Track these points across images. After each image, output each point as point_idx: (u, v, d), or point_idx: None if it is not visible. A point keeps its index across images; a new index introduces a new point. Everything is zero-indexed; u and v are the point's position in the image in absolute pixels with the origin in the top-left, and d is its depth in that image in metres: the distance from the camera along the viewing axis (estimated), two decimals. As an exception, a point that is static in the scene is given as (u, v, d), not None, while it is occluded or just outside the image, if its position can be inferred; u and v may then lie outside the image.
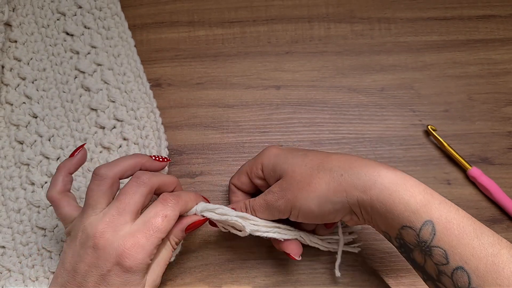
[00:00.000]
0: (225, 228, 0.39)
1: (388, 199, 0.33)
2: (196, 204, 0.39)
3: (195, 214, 0.38)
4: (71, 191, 0.39)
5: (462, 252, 0.31)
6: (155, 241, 0.35)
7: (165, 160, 0.41)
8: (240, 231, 0.38)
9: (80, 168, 0.41)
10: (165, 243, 0.37)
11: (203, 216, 0.38)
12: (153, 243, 0.34)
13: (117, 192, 0.37)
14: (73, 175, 0.39)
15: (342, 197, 0.34)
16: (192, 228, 0.38)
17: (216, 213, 0.38)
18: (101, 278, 0.33)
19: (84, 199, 0.37)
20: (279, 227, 0.39)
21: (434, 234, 0.32)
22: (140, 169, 0.38)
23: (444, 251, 0.32)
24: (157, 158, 0.40)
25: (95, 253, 0.34)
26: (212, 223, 0.40)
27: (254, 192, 0.42)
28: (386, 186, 0.33)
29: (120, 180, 0.38)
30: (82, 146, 0.40)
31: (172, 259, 0.39)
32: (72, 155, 0.39)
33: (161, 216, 0.35)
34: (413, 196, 0.33)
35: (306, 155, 0.37)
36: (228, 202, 0.44)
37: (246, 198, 0.41)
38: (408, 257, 0.35)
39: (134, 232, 0.34)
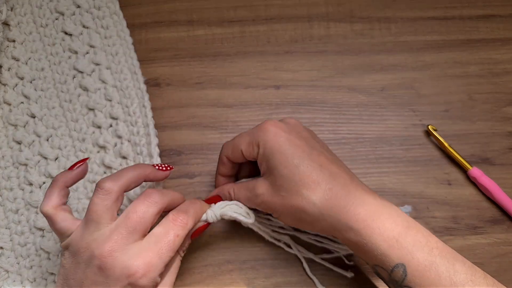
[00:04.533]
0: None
1: (361, 240, 0.34)
2: (203, 214, 0.39)
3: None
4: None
5: None
6: (166, 260, 0.34)
7: (169, 168, 0.39)
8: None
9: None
10: (175, 256, 0.37)
11: (206, 222, 0.39)
12: (164, 262, 0.34)
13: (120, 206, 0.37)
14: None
15: (319, 228, 0.36)
16: (198, 234, 0.38)
17: (226, 215, 0.39)
18: None
19: (79, 200, 0.36)
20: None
21: (405, 275, 0.32)
22: (145, 180, 0.38)
23: None
24: (160, 168, 0.39)
25: (103, 273, 0.32)
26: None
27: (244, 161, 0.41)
28: (359, 229, 0.34)
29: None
30: (84, 160, 0.38)
31: None
32: (71, 167, 0.37)
33: (172, 235, 0.34)
34: (384, 234, 0.33)
35: (304, 172, 0.36)
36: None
37: (234, 169, 0.42)
38: (385, 283, 0.36)
39: (145, 251, 0.33)
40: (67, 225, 0.35)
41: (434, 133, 0.46)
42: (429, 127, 0.47)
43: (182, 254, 0.38)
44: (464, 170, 0.46)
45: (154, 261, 0.33)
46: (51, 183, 0.36)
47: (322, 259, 0.42)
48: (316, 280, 0.42)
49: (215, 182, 0.43)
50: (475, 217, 0.44)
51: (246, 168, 0.43)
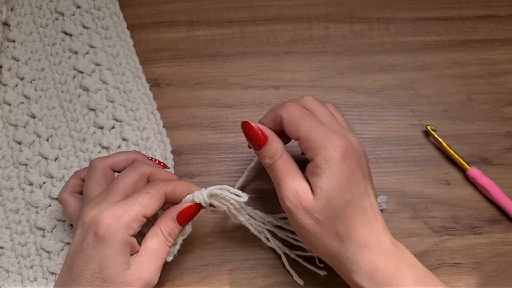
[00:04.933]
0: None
1: None
2: (190, 192, 0.38)
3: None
4: None
5: None
6: (132, 214, 0.34)
7: (161, 164, 0.41)
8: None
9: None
10: (156, 233, 0.36)
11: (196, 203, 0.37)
12: (130, 215, 0.34)
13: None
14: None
15: (330, 261, 0.36)
16: (184, 217, 0.37)
17: (214, 194, 0.37)
18: (83, 253, 0.34)
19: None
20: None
21: None
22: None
23: None
24: (153, 160, 0.41)
25: (82, 229, 0.35)
26: None
27: None
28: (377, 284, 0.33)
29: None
30: None
31: (170, 259, 0.38)
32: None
33: (143, 192, 0.35)
34: None
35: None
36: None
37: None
38: None
39: (114, 206, 0.35)
40: (76, 209, 0.39)
41: (433, 133, 0.46)
42: (428, 127, 0.47)
43: (169, 239, 0.37)
44: (463, 170, 0.46)
45: (117, 213, 0.34)
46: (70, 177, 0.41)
47: (297, 255, 0.42)
48: (294, 273, 0.42)
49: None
50: (474, 217, 0.45)
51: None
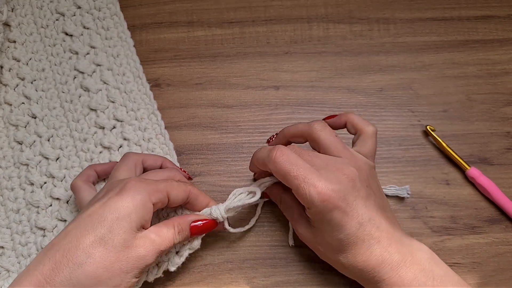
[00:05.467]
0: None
1: None
2: (208, 205, 0.39)
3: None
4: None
5: None
6: (160, 187, 0.36)
7: (187, 174, 0.44)
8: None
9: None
10: (168, 224, 0.36)
11: (214, 219, 0.39)
12: (157, 186, 0.36)
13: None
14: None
15: (346, 273, 0.38)
16: (198, 226, 0.38)
17: (231, 207, 0.39)
18: (100, 203, 0.35)
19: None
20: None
21: None
22: (162, 166, 0.42)
23: None
24: (184, 172, 0.44)
25: (103, 190, 0.37)
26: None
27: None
28: None
29: None
30: (113, 163, 0.44)
31: (173, 269, 0.39)
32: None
33: (172, 180, 0.37)
34: None
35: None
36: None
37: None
38: None
39: (138, 179, 0.36)
40: (88, 196, 0.39)
41: (433, 133, 0.46)
42: (428, 127, 0.47)
43: (177, 237, 0.37)
44: (462, 170, 0.46)
45: (146, 181, 0.36)
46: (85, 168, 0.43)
47: None
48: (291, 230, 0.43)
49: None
50: (473, 216, 0.45)
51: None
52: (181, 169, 0.44)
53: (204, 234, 0.39)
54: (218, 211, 0.38)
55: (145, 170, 0.42)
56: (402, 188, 0.44)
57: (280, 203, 0.41)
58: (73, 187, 0.41)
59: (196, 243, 0.39)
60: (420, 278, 0.33)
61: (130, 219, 0.34)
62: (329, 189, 0.33)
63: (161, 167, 0.42)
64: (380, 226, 0.35)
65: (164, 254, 0.38)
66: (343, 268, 0.37)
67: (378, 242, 0.34)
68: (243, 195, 0.39)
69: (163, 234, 0.36)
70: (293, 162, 0.35)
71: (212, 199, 0.40)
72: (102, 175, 0.43)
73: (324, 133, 0.38)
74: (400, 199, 0.45)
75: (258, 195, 0.39)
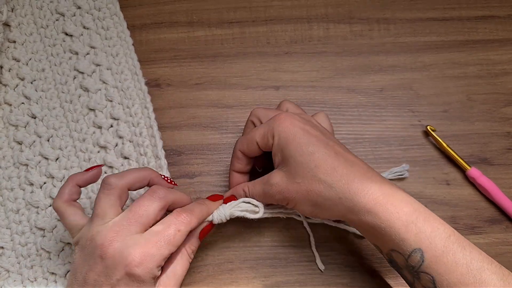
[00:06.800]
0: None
1: (378, 224, 0.34)
2: (209, 214, 0.39)
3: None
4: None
5: (449, 279, 0.32)
6: (165, 253, 0.34)
7: (172, 183, 0.40)
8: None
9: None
10: (182, 255, 0.37)
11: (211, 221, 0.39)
12: (162, 254, 0.34)
13: (126, 203, 0.37)
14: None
15: (336, 212, 0.36)
16: (205, 234, 0.39)
17: (234, 215, 0.40)
18: None
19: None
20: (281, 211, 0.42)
21: (423, 261, 0.32)
22: (149, 183, 0.38)
23: (432, 277, 0.32)
24: (165, 178, 0.40)
25: (103, 262, 0.33)
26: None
27: (259, 155, 0.41)
28: (377, 212, 0.34)
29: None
30: (99, 166, 0.39)
31: None
32: (87, 170, 0.39)
33: (173, 229, 0.35)
34: (403, 218, 0.33)
35: (320, 159, 0.36)
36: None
37: (249, 165, 0.42)
38: (398, 271, 0.36)
39: (144, 242, 0.34)
40: (76, 219, 0.36)
41: (433, 133, 0.46)
42: (428, 127, 0.47)
43: (192, 256, 0.38)
44: (462, 170, 0.46)
45: (151, 252, 0.33)
46: (65, 182, 0.38)
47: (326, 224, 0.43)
48: (317, 255, 0.43)
49: (229, 179, 0.43)
50: (474, 217, 0.45)
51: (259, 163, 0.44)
52: (165, 178, 0.40)
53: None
54: (223, 217, 0.39)
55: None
56: (401, 167, 0.45)
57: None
58: (56, 211, 0.37)
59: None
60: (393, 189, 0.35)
61: None
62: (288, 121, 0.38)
63: (149, 184, 0.39)
64: (342, 145, 0.38)
65: None
66: (324, 208, 0.36)
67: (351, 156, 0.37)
68: (248, 207, 0.40)
69: (181, 273, 0.37)
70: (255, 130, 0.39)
71: (210, 202, 0.39)
72: (85, 186, 0.39)
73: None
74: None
75: (260, 213, 0.40)
